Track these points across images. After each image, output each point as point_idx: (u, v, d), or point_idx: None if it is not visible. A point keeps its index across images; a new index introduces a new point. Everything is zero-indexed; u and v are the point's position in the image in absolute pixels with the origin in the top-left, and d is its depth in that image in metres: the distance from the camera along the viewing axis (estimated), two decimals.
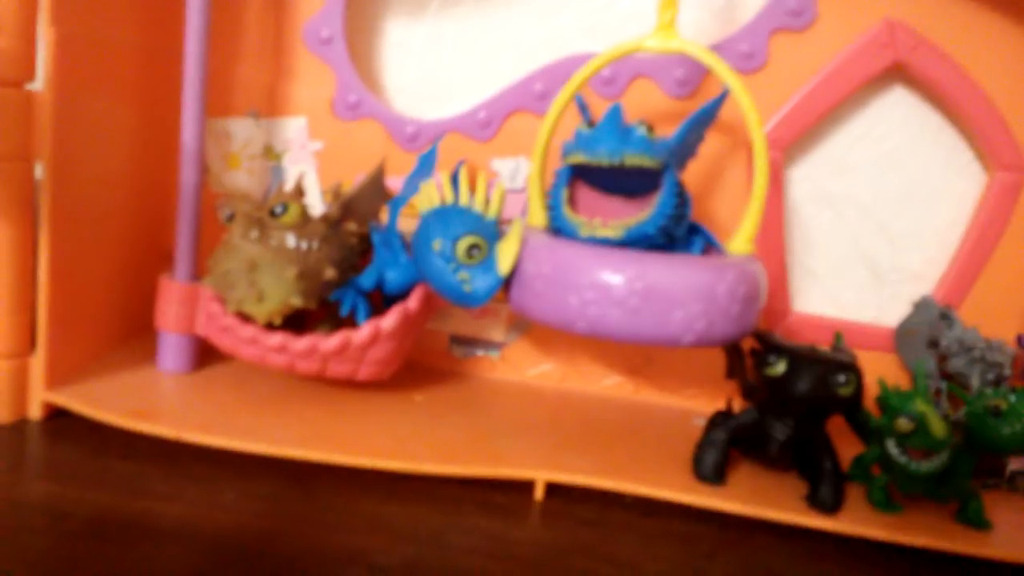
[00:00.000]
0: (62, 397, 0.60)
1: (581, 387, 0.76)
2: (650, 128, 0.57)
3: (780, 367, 0.56)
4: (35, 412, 0.61)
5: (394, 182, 0.70)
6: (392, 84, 0.75)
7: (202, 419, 0.59)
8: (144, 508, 0.51)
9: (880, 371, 0.67)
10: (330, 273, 0.61)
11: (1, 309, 0.58)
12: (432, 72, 0.75)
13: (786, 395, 0.56)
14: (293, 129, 0.73)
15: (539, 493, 0.58)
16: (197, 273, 0.67)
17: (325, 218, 0.63)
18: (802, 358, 0.56)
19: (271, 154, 0.74)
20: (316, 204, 0.73)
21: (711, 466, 0.59)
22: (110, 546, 0.46)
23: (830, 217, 0.73)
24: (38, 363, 0.60)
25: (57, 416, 0.61)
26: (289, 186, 0.64)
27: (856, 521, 0.56)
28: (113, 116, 0.65)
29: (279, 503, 0.54)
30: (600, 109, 0.66)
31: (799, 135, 0.70)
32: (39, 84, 0.57)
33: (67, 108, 0.58)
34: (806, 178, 0.72)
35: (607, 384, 0.76)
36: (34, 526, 0.48)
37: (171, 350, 0.67)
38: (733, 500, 0.57)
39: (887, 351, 0.71)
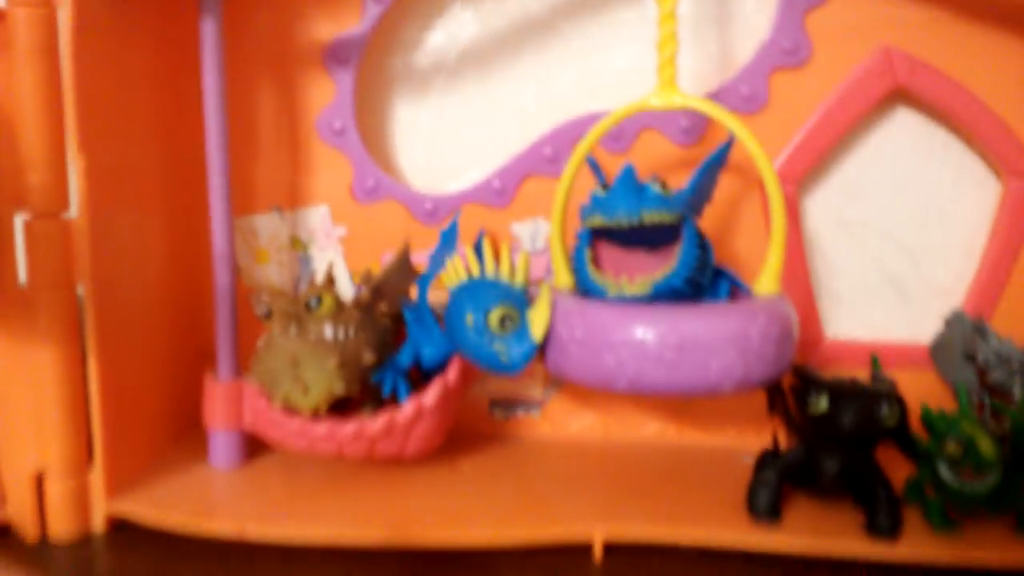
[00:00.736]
0: (124, 505, 0.62)
1: (624, 436, 0.76)
2: (664, 184, 0.58)
3: (823, 404, 0.56)
4: (98, 525, 0.62)
5: (419, 258, 0.72)
6: (406, 164, 0.78)
7: (260, 512, 0.61)
8: None
9: (919, 388, 0.68)
10: (369, 357, 0.62)
11: (58, 429, 0.60)
12: (443, 148, 0.77)
13: (832, 430, 0.56)
14: (316, 218, 0.75)
15: (597, 554, 0.59)
16: (239, 369, 0.68)
17: (357, 303, 0.64)
18: (843, 393, 0.56)
19: (298, 244, 0.76)
20: (346, 288, 0.75)
21: (766, 505, 0.59)
22: None
23: (850, 242, 0.73)
24: (97, 477, 0.62)
25: (119, 527, 0.63)
26: (320, 277, 0.66)
27: (917, 544, 0.56)
28: (145, 230, 0.68)
29: None
30: (610, 164, 0.68)
31: (809, 167, 0.71)
32: (73, 211, 0.59)
33: (102, 230, 0.61)
34: (822, 207, 0.73)
35: (650, 431, 0.76)
36: None
37: (221, 447, 0.68)
38: (792, 537, 0.57)
39: (923, 368, 0.71)
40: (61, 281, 0.59)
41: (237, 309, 0.68)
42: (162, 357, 0.71)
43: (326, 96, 0.73)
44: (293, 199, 0.76)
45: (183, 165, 0.72)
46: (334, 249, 0.75)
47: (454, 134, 0.76)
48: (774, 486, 0.60)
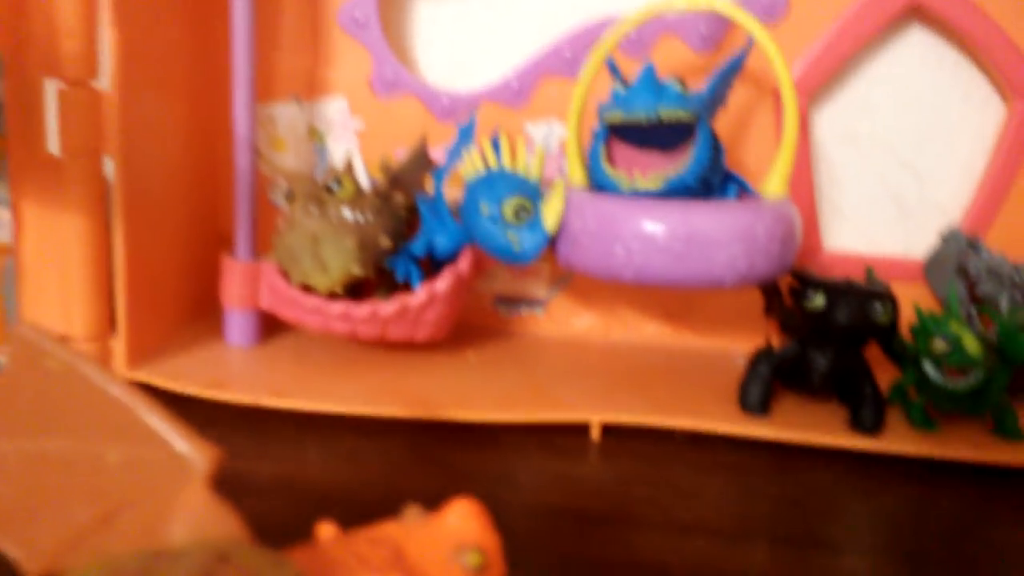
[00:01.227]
0: (144, 374, 0.65)
1: (624, 336, 0.79)
2: (683, 83, 0.60)
3: (819, 301, 0.59)
4: None
5: (436, 153, 0.73)
6: (425, 60, 0.79)
7: (275, 386, 0.64)
8: (238, 468, 0.55)
9: (911, 302, 0.70)
10: (385, 242, 0.65)
11: (83, 296, 0.63)
12: (462, 45, 0.78)
13: (826, 327, 0.59)
14: (334, 110, 0.76)
15: (595, 434, 0.62)
16: (256, 251, 0.71)
17: (376, 191, 0.66)
18: (839, 291, 0.59)
19: (315, 135, 0.77)
20: (363, 179, 0.76)
21: (757, 398, 0.62)
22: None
23: (855, 156, 0.75)
24: (120, 344, 0.64)
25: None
26: (339, 163, 0.68)
27: (898, 440, 0.59)
28: (171, 109, 0.69)
29: (358, 456, 0.58)
30: (629, 69, 0.69)
31: (823, 80, 0.72)
32: (104, 83, 0.60)
33: (130, 104, 0.62)
34: (831, 120, 0.75)
35: (649, 331, 0.79)
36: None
37: (238, 325, 0.71)
38: (780, 428, 0.60)
39: (917, 282, 0.74)
40: (91, 149, 0.61)
41: (256, 194, 0.70)
42: (184, 235, 0.73)
43: None
44: (312, 89, 0.77)
45: (209, 50, 0.73)
46: (350, 141, 0.77)
47: (474, 32, 0.77)
48: (766, 380, 0.63)
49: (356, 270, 0.64)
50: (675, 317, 0.78)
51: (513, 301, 0.80)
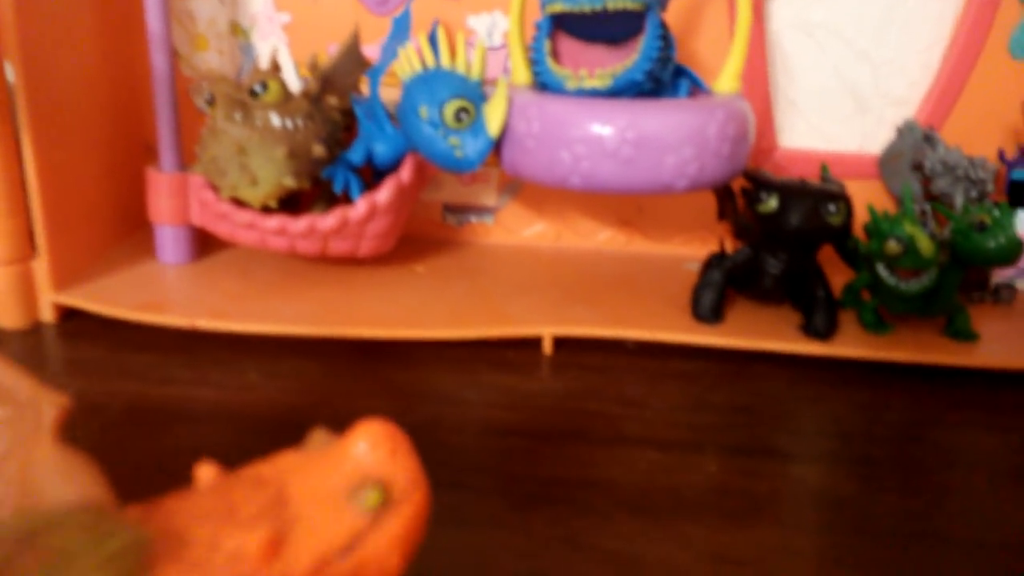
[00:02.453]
0: (71, 297, 0.61)
1: (575, 243, 0.77)
2: None
3: (772, 203, 0.57)
4: (47, 315, 0.62)
5: (370, 50, 0.68)
6: None
7: (212, 307, 0.61)
8: (174, 394, 0.53)
9: (867, 199, 0.69)
10: (319, 150, 0.61)
11: None
12: None
13: (779, 229, 0.57)
14: (258, 3, 0.70)
15: (547, 347, 0.60)
16: (184, 162, 0.66)
17: (306, 94, 0.62)
18: (792, 192, 0.57)
19: (238, 31, 0.71)
20: (292, 80, 0.71)
21: (709, 306, 0.61)
22: (150, 430, 0.49)
23: (811, 47, 0.72)
24: (42, 266, 0.60)
25: (69, 317, 0.62)
26: (264, 63, 0.63)
27: (849, 344, 0.59)
28: (77, 8, 0.63)
29: (301, 378, 0.56)
30: None
31: None
32: None
33: (29, 2, 0.56)
34: (786, 8, 0.71)
35: (601, 238, 0.77)
36: (73, 422, 0.50)
37: (169, 242, 0.67)
38: (731, 336, 0.60)
39: (874, 179, 0.73)
40: None
41: (178, 98, 0.65)
42: (104, 148, 0.68)
43: None
44: None
45: None
46: (278, 37, 0.71)
47: None
48: (719, 286, 0.61)
49: (289, 182, 0.60)
50: (627, 223, 0.76)
51: (462, 210, 0.77)
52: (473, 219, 0.77)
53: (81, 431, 0.48)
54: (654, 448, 0.49)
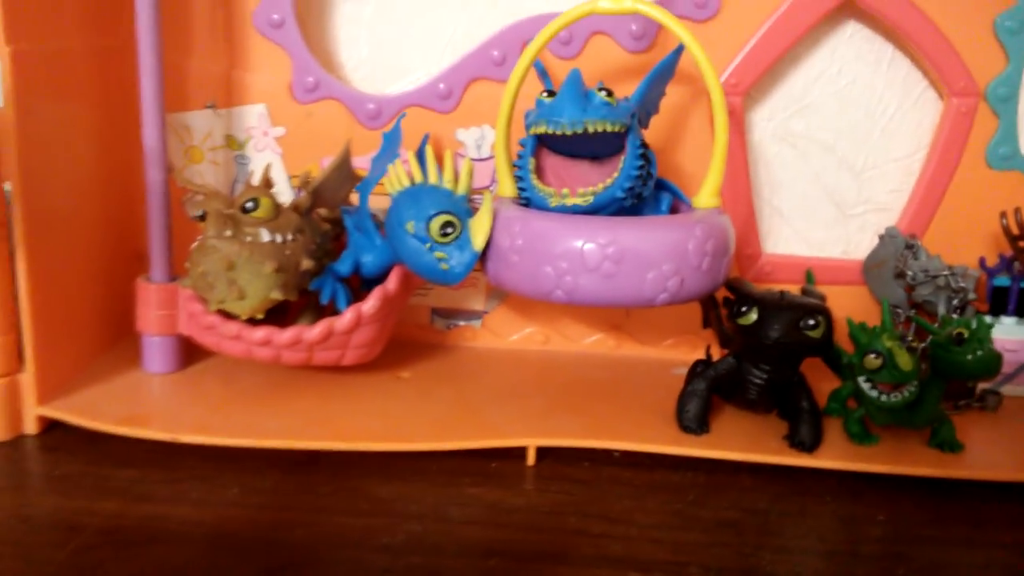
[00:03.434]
0: (55, 410, 0.61)
1: (563, 347, 0.77)
2: (609, 92, 0.57)
3: (752, 316, 0.57)
4: (30, 427, 0.61)
5: (361, 162, 0.70)
6: (348, 61, 0.75)
7: (195, 418, 0.61)
8: (152, 512, 0.52)
9: (852, 305, 0.70)
10: (307, 263, 0.62)
11: None
12: (386, 45, 0.74)
13: (759, 342, 0.58)
14: (253, 117, 0.73)
15: (531, 459, 0.60)
16: (174, 272, 0.67)
17: (296, 207, 0.63)
18: (772, 305, 0.58)
19: (234, 144, 0.73)
20: (285, 191, 0.73)
21: (694, 416, 0.61)
22: (126, 552, 0.48)
23: (794, 156, 0.74)
24: (28, 379, 0.61)
25: (52, 429, 0.62)
26: (257, 179, 0.65)
27: (835, 456, 0.59)
28: (75, 124, 0.65)
29: (281, 494, 0.55)
30: (559, 69, 0.66)
31: (757, 79, 0.70)
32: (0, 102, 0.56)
33: (29, 122, 0.58)
34: (767, 120, 0.73)
35: (588, 342, 0.77)
36: (48, 541, 0.49)
37: (156, 352, 0.67)
38: (717, 447, 0.59)
39: (859, 284, 0.73)
40: None
41: (171, 210, 0.66)
42: (95, 259, 0.69)
43: None
44: (229, 97, 0.73)
45: (114, 57, 0.69)
46: (272, 150, 0.73)
47: (399, 31, 0.74)
48: (703, 397, 0.61)
49: (276, 295, 0.60)
50: (616, 327, 0.77)
51: (450, 314, 0.77)
52: (461, 323, 0.77)
53: (56, 552, 0.48)
54: (637, 570, 0.49)
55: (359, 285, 0.67)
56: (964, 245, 0.71)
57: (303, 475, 0.57)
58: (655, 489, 0.58)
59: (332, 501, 0.55)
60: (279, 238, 0.61)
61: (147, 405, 0.63)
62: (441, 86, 0.72)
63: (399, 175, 0.62)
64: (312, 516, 0.53)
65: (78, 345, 0.67)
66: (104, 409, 0.61)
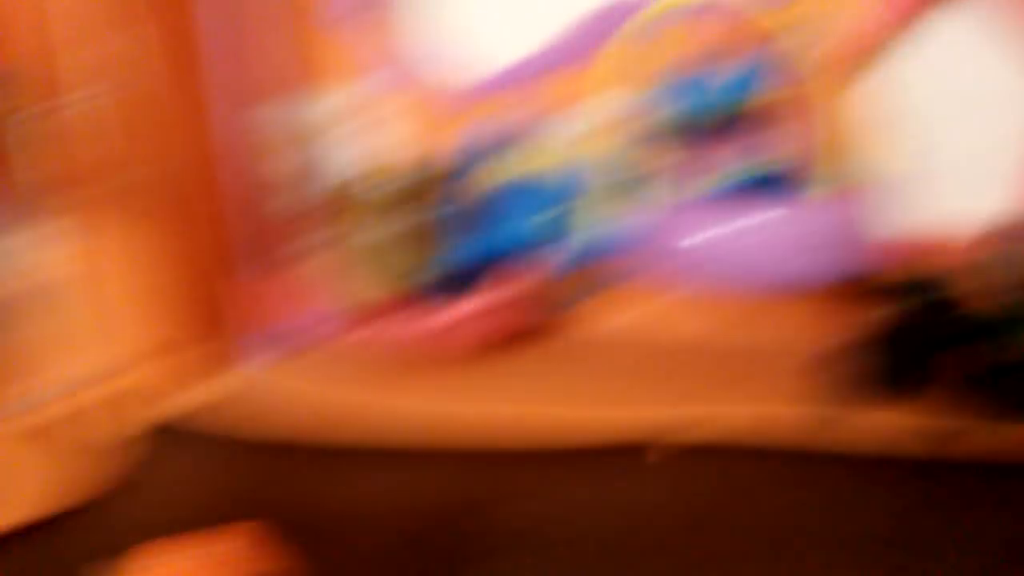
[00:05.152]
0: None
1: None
2: None
3: None
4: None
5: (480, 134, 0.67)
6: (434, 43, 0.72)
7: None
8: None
9: None
10: (432, 251, 0.62)
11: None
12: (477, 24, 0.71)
13: None
14: (334, 106, 0.71)
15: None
16: (284, 264, 0.67)
17: (419, 195, 0.63)
18: None
19: (324, 133, 0.72)
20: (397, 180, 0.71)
21: None
22: None
23: None
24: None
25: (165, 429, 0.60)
26: (382, 163, 0.65)
27: None
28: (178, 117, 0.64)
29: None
30: None
31: None
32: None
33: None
34: None
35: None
36: None
37: (268, 343, 0.66)
38: None
39: None
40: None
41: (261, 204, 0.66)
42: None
43: None
44: (311, 87, 0.71)
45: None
46: (361, 138, 0.72)
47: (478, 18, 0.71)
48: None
49: (404, 282, 0.62)
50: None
51: (563, 303, 0.73)
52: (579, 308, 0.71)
53: None
54: None
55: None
56: None
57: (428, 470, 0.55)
58: None
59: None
60: (407, 224, 0.62)
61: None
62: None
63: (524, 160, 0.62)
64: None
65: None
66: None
